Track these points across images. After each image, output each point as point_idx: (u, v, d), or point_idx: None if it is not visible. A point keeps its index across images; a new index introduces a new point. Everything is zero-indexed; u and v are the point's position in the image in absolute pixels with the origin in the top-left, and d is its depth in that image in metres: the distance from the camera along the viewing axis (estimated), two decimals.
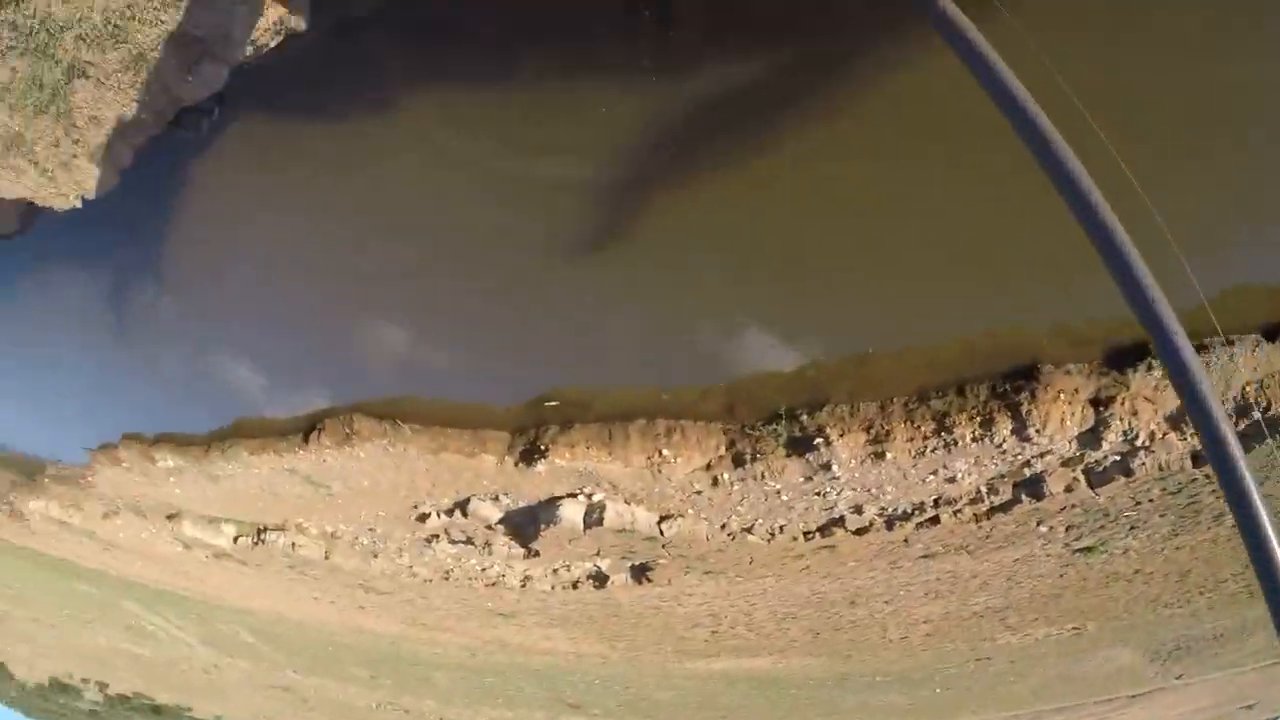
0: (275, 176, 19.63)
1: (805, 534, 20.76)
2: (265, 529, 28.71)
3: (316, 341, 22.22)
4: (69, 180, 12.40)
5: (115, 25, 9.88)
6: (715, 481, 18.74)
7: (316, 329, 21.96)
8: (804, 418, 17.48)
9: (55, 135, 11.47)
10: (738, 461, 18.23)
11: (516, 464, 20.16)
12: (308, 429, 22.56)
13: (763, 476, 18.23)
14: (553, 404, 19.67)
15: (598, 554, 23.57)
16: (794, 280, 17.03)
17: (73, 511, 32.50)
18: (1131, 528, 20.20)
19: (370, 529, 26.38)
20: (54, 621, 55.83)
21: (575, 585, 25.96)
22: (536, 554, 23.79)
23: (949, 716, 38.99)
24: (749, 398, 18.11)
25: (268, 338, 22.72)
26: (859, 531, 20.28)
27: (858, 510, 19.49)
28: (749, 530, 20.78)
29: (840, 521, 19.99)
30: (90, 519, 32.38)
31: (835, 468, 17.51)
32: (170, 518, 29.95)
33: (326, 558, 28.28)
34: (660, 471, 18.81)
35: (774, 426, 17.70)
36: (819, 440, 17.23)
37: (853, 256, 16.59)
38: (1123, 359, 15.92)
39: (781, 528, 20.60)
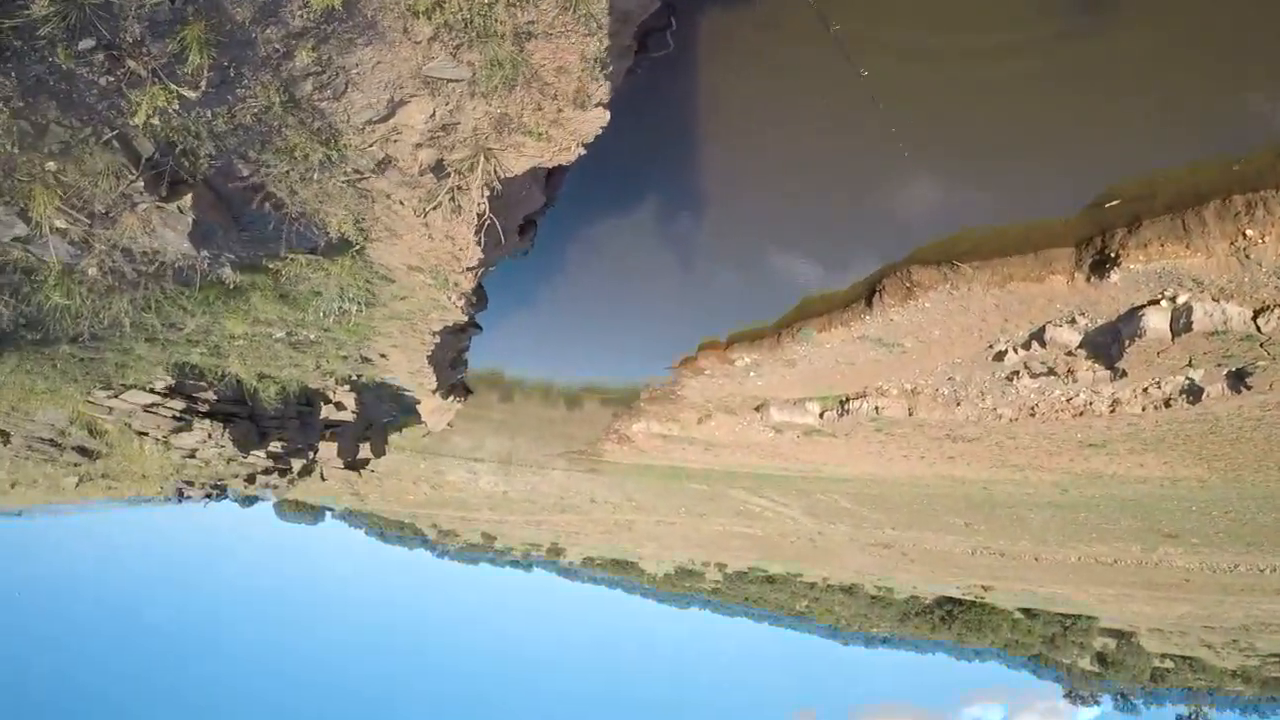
0: (744, 68, 19.37)
1: None
2: (847, 399, 31.16)
3: (851, 209, 22.17)
4: (564, 134, 13.16)
5: None
6: None
7: (849, 196, 21.80)
8: None
9: (535, 100, 12.35)
10: None
11: (1088, 278, 19.91)
12: (868, 294, 23.67)
13: None
14: (1113, 204, 18.81)
15: (1189, 364, 22.88)
16: None
17: (670, 424, 37.93)
18: None
19: (949, 378, 27.59)
20: (673, 520, 64.44)
21: (1167, 403, 25.26)
22: (1123, 374, 23.54)
23: None
24: None
25: (806, 217, 22.86)
26: None
27: None
28: None
29: None
30: (687, 426, 37.39)
31: None
32: (758, 408, 33.60)
33: (910, 414, 30.06)
34: (1248, 256, 17.76)
35: None
36: None
37: None
38: None
39: None
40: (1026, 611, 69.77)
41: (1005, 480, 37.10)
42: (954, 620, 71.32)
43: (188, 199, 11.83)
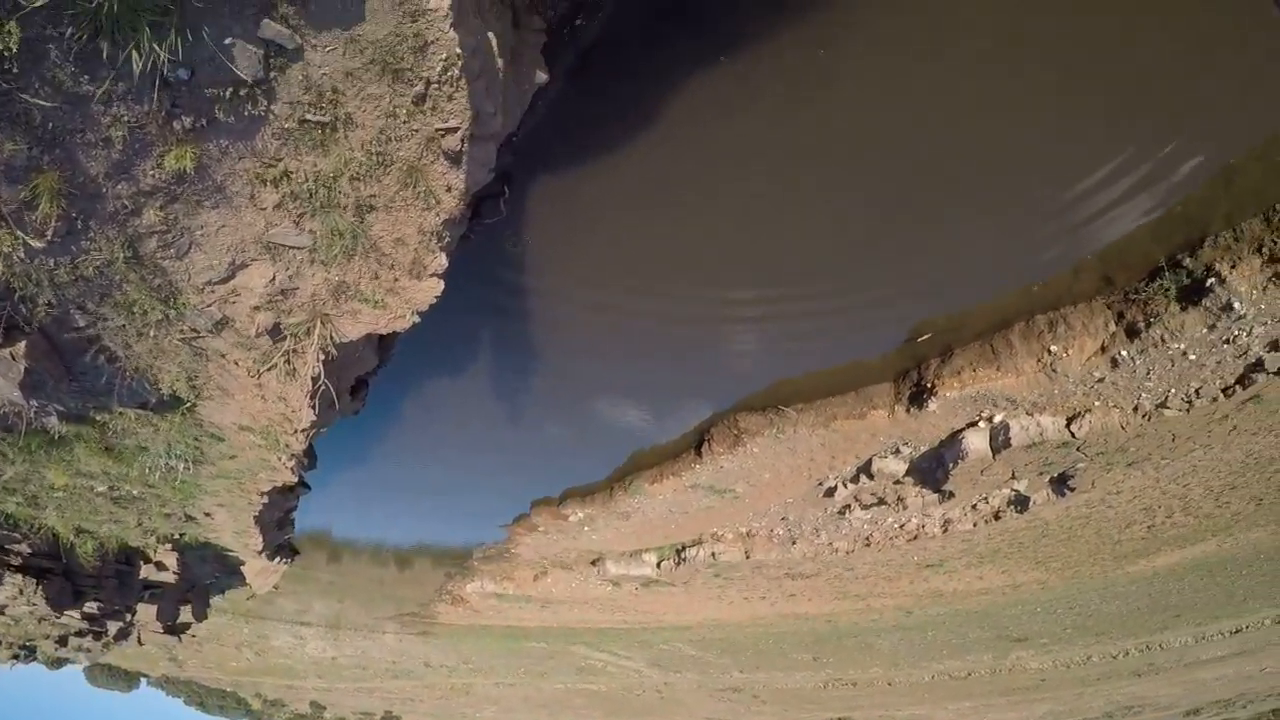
0: (583, 230, 19.73)
1: (1224, 390, 19.40)
2: (684, 547, 30.48)
3: (677, 364, 22.40)
4: (399, 302, 13.40)
5: (377, 153, 10.87)
6: (1114, 362, 18.02)
7: (674, 353, 22.01)
8: (1187, 262, 16.51)
9: (372, 269, 12.64)
10: (1132, 333, 17.46)
11: (908, 410, 20.20)
12: (697, 443, 23.64)
13: (1163, 341, 17.39)
14: (924, 338, 19.41)
15: (1013, 477, 23.23)
16: (1138, 110, 15.69)
17: (505, 583, 36.45)
18: None
19: (783, 518, 27.32)
20: (513, 681, 61.72)
21: (997, 516, 25.67)
22: (951, 495, 23.78)
23: None
24: (1123, 260, 17.24)
25: (633, 374, 23.10)
26: None
27: (1275, 346, 17.97)
28: (1163, 405, 19.78)
29: (1259, 365, 18.52)
30: (523, 584, 36.02)
31: (1237, 305, 16.37)
32: (594, 563, 32.65)
33: (747, 557, 29.53)
34: (1055, 370, 18.35)
35: (1159, 282, 16.82)
36: (1210, 281, 16.22)
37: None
38: None
39: (1198, 391, 19.44)
40: None
41: (848, 610, 36.84)
42: None
43: (21, 346, 11.74)
